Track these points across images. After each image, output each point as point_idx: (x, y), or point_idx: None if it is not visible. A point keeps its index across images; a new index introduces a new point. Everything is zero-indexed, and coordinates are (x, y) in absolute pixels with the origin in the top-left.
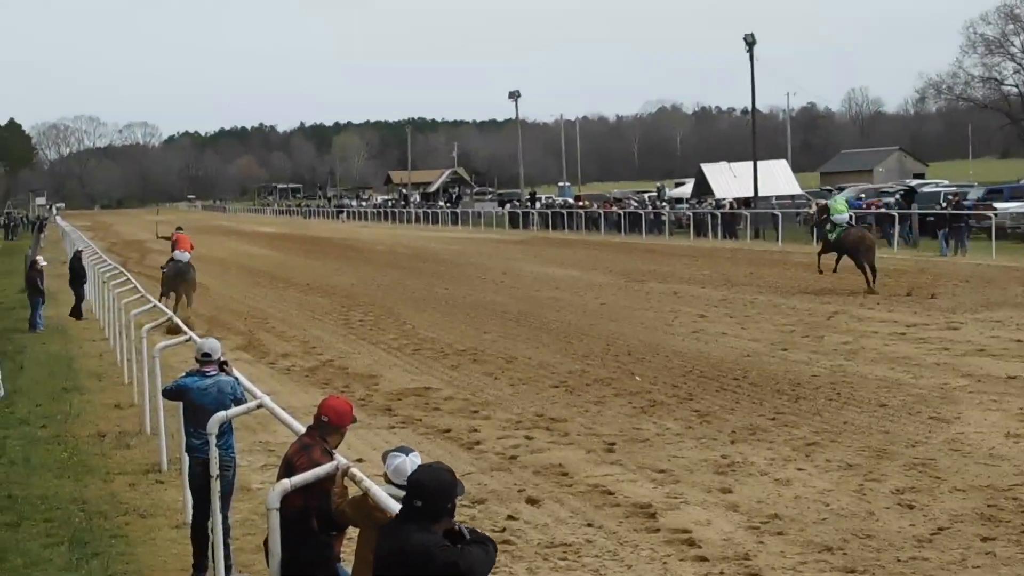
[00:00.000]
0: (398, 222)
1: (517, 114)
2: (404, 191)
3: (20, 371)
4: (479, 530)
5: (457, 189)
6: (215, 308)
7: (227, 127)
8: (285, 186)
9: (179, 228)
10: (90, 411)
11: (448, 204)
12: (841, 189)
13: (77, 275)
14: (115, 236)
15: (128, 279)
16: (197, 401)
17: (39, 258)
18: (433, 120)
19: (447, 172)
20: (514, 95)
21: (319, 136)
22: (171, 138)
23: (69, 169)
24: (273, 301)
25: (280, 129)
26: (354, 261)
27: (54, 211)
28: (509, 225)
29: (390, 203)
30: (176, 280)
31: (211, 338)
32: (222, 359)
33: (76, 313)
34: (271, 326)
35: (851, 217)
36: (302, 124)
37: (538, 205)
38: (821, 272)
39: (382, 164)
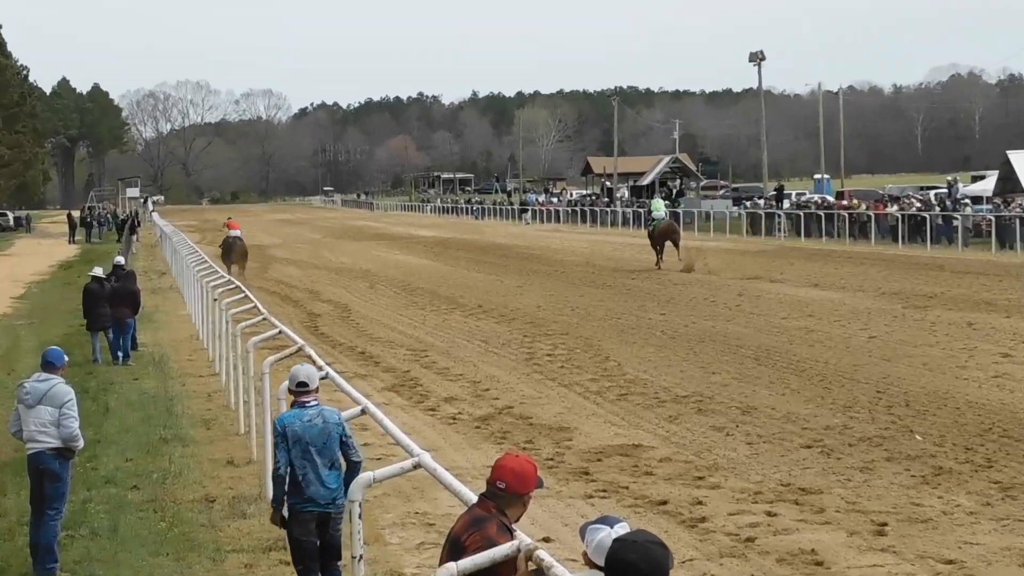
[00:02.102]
0: (599, 225)
1: (760, 83)
2: (607, 184)
3: (105, 414)
4: None
5: (679, 182)
6: (357, 334)
7: (376, 98)
8: (451, 176)
9: (230, 217)
10: (195, 468)
11: (667, 201)
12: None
13: (123, 295)
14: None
15: (246, 296)
16: (305, 437)
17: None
18: (648, 90)
19: (665, 159)
20: (757, 58)
21: (497, 110)
22: (303, 112)
23: (169, 151)
24: (434, 328)
25: (446, 100)
26: (541, 276)
27: (150, 206)
28: (748, 230)
29: (589, 200)
30: (228, 253)
31: (306, 364)
32: None
33: (119, 351)
34: (431, 360)
35: (665, 215)
36: (475, 95)
37: (786, 204)
38: (659, 267)
39: (578, 148)
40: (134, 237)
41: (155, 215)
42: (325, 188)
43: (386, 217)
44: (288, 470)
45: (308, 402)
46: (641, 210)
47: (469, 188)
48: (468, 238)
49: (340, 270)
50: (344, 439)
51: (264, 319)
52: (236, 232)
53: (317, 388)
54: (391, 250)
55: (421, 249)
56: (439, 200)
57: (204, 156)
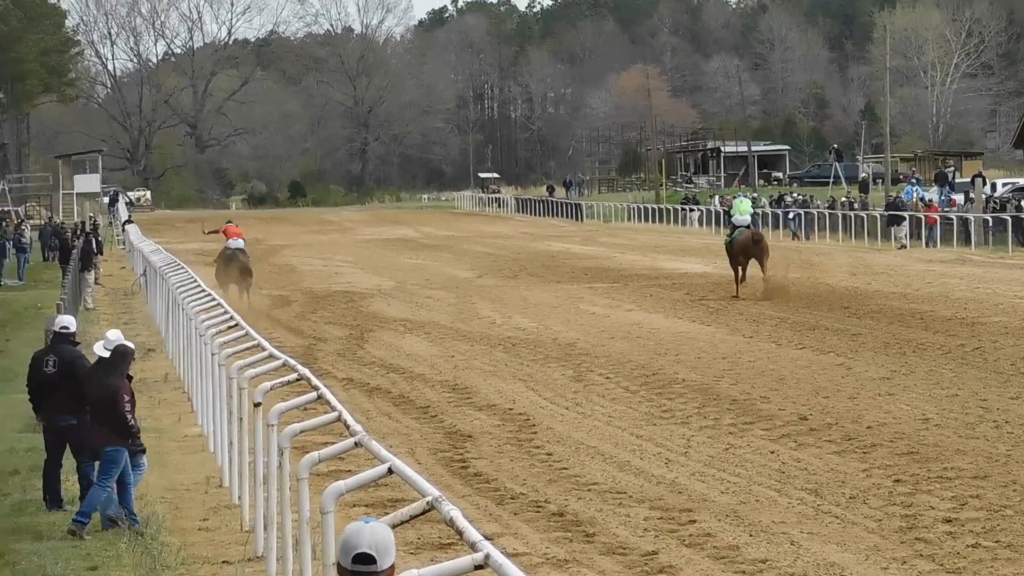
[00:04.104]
0: None
1: None
2: None
3: None
4: None
5: None
6: (548, 475)
7: None
8: (740, 149)
9: (228, 221)
10: None
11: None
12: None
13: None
14: (303, 295)
15: (321, 396)
16: None
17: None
18: None
19: None
20: None
21: (836, 13)
22: (437, 18)
23: (163, 100)
24: (706, 463)
25: None
26: (931, 356)
27: (122, 210)
28: None
29: None
30: (227, 269)
31: (373, 521)
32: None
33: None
34: (703, 530)
35: (750, 221)
36: None
37: None
38: (737, 295)
39: (1008, 91)
40: (90, 274)
41: (131, 229)
42: (482, 175)
43: (607, 233)
44: None
45: None
46: None
47: (780, 175)
48: (777, 276)
49: (514, 343)
50: None
51: (358, 443)
52: (238, 242)
53: (392, 568)
54: (619, 301)
55: (680, 300)
56: (717, 199)
57: (234, 110)
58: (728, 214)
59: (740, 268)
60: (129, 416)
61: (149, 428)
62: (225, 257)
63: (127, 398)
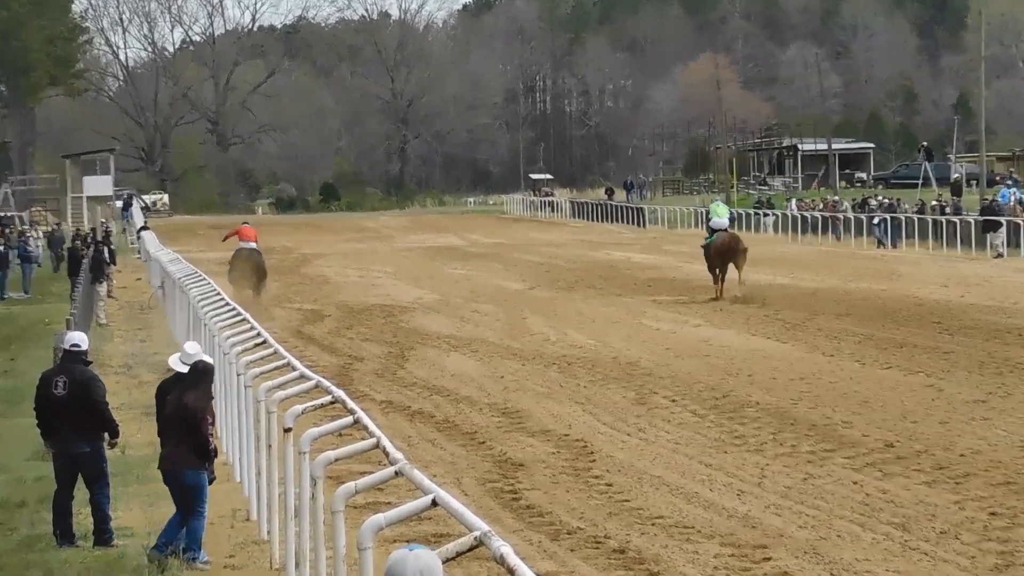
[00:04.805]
0: None
1: None
2: None
3: None
4: None
5: None
6: (607, 507)
7: None
8: (819, 147)
9: (244, 222)
10: None
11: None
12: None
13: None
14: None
15: (358, 420)
16: None
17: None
18: None
19: None
20: None
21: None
22: (484, 2)
23: (181, 94)
24: (783, 494)
25: None
26: None
27: (136, 216)
28: None
29: None
30: (241, 268)
31: (418, 548)
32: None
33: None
34: (779, 570)
35: (728, 224)
36: None
37: None
38: (718, 296)
39: None
40: (102, 286)
41: (147, 237)
42: (534, 176)
43: (672, 240)
44: None
45: None
46: None
47: (863, 175)
48: (860, 288)
49: (570, 362)
50: None
51: (398, 473)
52: (251, 244)
53: None
54: (685, 316)
55: (753, 315)
56: (792, 203)
57: (260, 104)
58: (708, 219)
59: (719, 271)
60: (211, 440)
61: None
62: (238, 257)
63: (210, 420)
